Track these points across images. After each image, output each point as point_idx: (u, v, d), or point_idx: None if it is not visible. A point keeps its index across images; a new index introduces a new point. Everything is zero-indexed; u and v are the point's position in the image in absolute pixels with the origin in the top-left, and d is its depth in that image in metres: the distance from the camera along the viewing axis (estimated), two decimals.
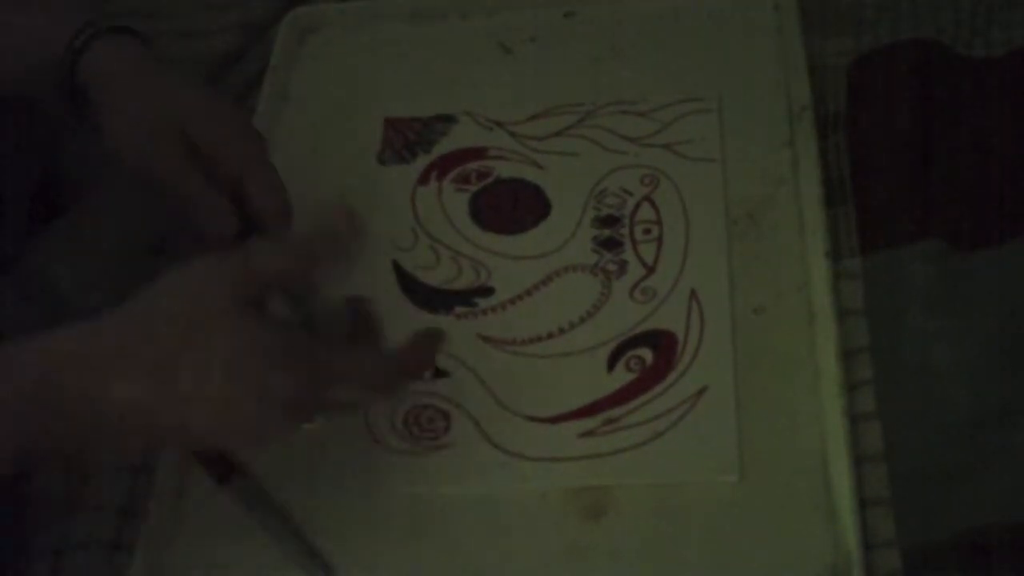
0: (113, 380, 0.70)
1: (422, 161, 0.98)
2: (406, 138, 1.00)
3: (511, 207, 0.95)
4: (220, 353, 0.69)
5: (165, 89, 0.86)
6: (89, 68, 0.86)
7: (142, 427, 0.70)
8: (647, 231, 0.91)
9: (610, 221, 0.92)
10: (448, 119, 1.00)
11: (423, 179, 0.97)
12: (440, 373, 0.86)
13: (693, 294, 0.87)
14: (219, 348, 0.69)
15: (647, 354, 0.85)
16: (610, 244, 0.91)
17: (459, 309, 0.89)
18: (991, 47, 0.97)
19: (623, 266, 0.90)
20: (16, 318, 0.92)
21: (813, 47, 0.99)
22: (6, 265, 0.95)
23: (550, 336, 0.87)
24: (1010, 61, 0.95)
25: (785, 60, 0.98)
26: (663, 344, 0.85)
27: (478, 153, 0.98)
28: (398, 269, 0.92)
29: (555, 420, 0.83)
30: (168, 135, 0.84)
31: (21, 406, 0.70)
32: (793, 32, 0.99)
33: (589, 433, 0.82)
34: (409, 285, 0.91)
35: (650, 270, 0.89)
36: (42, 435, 0.71)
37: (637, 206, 0.93)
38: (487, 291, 0.90)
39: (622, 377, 0.84)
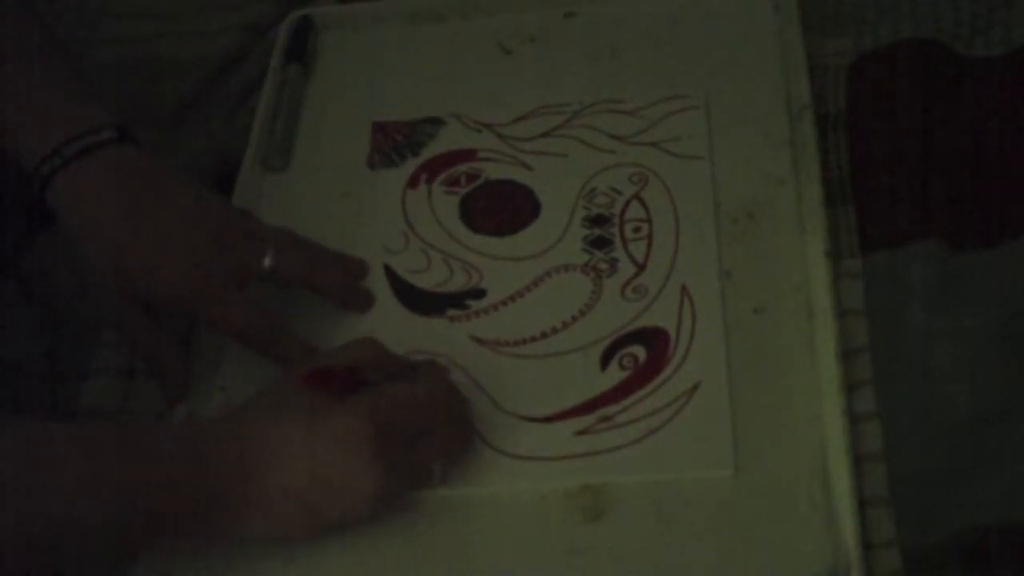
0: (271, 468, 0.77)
1: (411, 164, 1.01)
2: (394, 141, 1.02)
3: (501, 209, 0.97)
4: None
5: (120, 245, 0.88)
6: (54, 199, 0.88)
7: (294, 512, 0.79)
8: (637, 229, 0.94)
9: (600, 220, 0.95)
10: (435, 122, 1.03)
11: (412, 182, 1.00)
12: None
13: (684, 290, 0.90)
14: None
15: (640, 351, 0.87)
16: (600, 243, 0.94)
17: (451, 311, 0.92)
18: (991, 47, 0.99)
19: (614, 265, 0.92)
20: (16, 319, 0.94)
21: (813, 47, 1.01)
22: (6, 266, 0.97)
23: (543, 336, 0.90)
24: (1010, 61, 0.98)
25: (785, 60, 1.01)
26: (655, 341, 0.88)
27: (467, 155, 1.01)
28: (390, 273, 0.95)
29: (550, 419, 0.85)
30: (116, 291, 0.89)
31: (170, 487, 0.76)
32: (793, 32, 1.01)
33: (584, 431, 0.84)
34: (401, 288, 0.94)
35: (641, 268, 0.92)
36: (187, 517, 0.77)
37: (626, 205, 0.95)
38: (479, 293, 0.93)
39: (615, 375, 0.87)
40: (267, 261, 0.89)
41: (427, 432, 0.81)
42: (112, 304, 0.90)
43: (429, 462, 0.82)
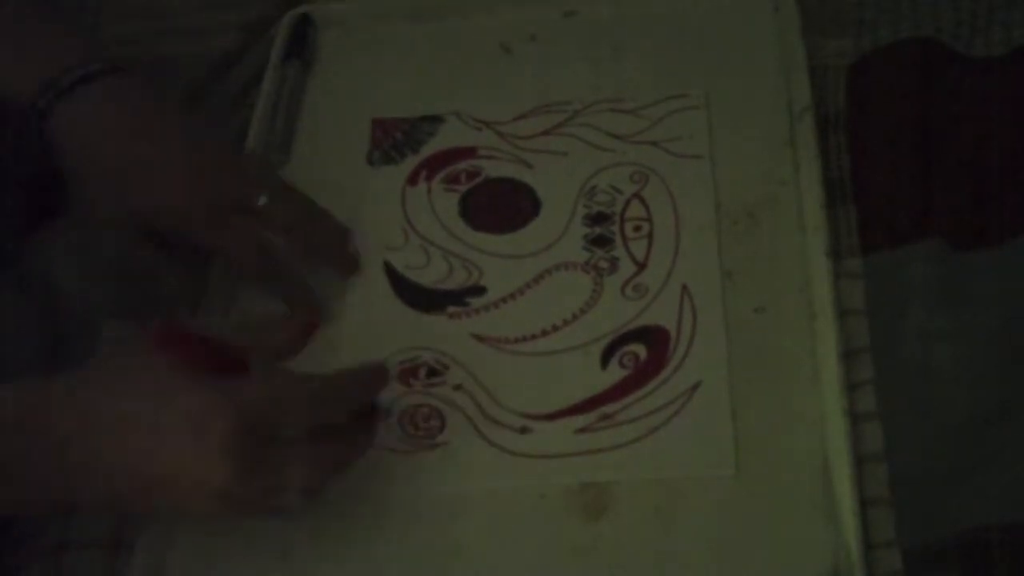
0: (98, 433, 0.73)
1: (411, 162, 1.01)
2: (394, 139, 1.02)
3: (501, 206, 0.97)
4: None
5: (120, 168, 0.89)
6: (52, 131, 0.89)
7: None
8: (637, 228, 0.94)
9: (600, 219, 0.95)
10: (435, 119, 1.03)
11: (412, 179, 1.00)
12: (434, 373, 0.89)
13: (684, 289, 0.90)
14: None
15: (640, 350, 0.88)
16: (601, 241, 0.94)
17: (451, 309, 0.92)
18: (991, 47, 0.99)
19: (614, 263, 0.92)
20: (15, 317, 0.94)
21: (813, 47, 1.01)
22: (5, 264, 0.97)
23: (543, 334, 0.90)
24: (1010, 61, 0.98)
25: (785, 60, 1.01)
26: (656, 340, 0.88)
27: (467, 153, 1.01)
28: (389, 270, 0.95)
29: (550, 417, 0.86)
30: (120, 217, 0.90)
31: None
32: (793, 32, 1.01)
33: (584, 430, 0.85)
34: (401, 286, 0.94)
35: (641, 266, 0.92)
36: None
37: (627, 203, 0.95)
38: (479, 290, 0.93)
39: (616, 373, 0.87)
40: (263, 199, 0.89)
41: (317, 434, 0.75)
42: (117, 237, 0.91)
43: (295, 480, 0.75)
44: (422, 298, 0.93)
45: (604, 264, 0.92)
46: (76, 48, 0.92)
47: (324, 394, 0.77)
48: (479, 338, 0.90)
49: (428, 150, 1.01)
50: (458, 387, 0.88)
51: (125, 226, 0.91)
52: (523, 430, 0.85)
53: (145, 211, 0.89)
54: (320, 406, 0.76)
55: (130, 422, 0.73)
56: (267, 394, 0.74)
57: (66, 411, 0.74)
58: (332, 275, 0.94)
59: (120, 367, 0.75)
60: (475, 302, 0.92)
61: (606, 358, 0.88)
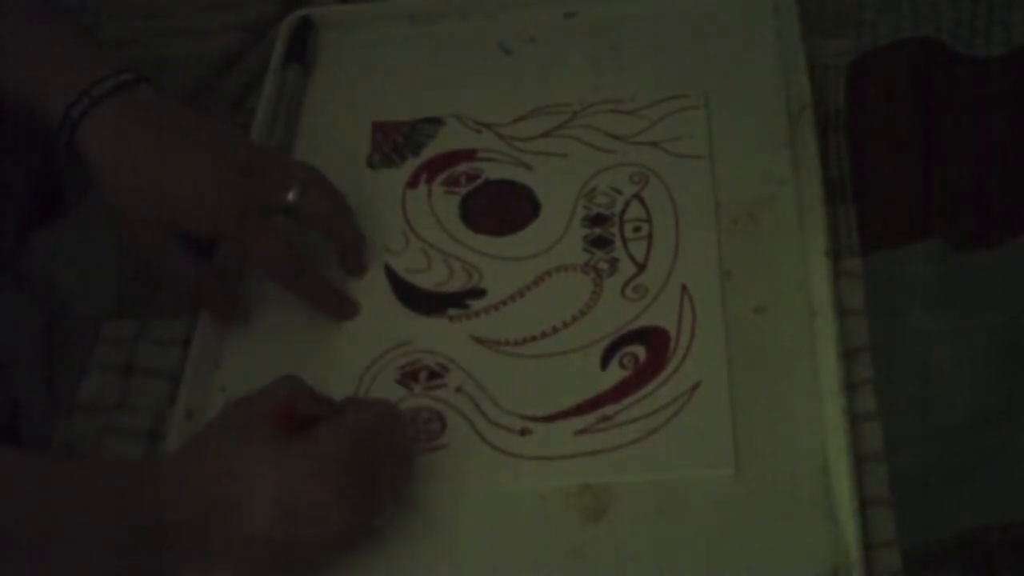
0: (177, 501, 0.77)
1: (411, 164, 1.01)
2: (394, 142, 1.03)
3: (501, 208, 0.98)
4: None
5: (153, 177, 0.90)
6: (84, 143, 0.90)
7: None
8: (637, 229, 0.94)
9: (600, 220, 0.95)
10: (435, 122, 1.03)
11: (412, 182, 1.00)
12: (435, 375, 0.89)
13: (684, 290, 0.90)
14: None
15: (640, 351, 0.88)
16: (601, 243, 0.94)
17: (452, 311, 0.92)
18: (991, 47, 0.99)
19: (614, 264, 0.93)
20: (16, 318, 0.95)
21: (813, 47, 1.01)
22: (6, 264, 0.97)
23: (543, 335, 0.90)
24: (1010, 61, 0.98)
25: (785, 60, 1.01)
26: (656, 341, 0.88)
27: (467, 155, 1.01)
28: (390, 273, 0.95)
29: (550, 419, 0.86)
30: (146, 226, 0.90)
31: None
32: (793, 32, 1.02)
33: (584, 431, 0.85)
34: (401, 288, 0.94)
35: (641, 267, 0.92)
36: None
37: (627, 204, 0.96)
38: (479, 292, 0.93)
39: (616, 374, 0.87)
40: (291, 195, 0.90)
41: (380, 463, 0.80)
42: (146, 241, 0.91)
43: (385, 494, 0.81)
44: (422, 301, 0.93)
45: (604, 265, 0.93)
46: (105, 59, 0.93)
47: (383, 425, 0.82)
48: (479, 340, 0.90)
49: (428, 152, 1.02)
50: (458, 389, 0.88)
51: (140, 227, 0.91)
52: (523, 432, 0.86)
53: (175, 217, 0.90)
54: (385, 436, 0.82)
55: (256, 486, 0.77)
56: (358, 428, 0.80)
57: (189, 487, 0.77)
58: (333, 277, 0.95)
59: (233, 439, 0.79)
60: (475, 304, 0.92)
61: (606, 359, 0.88)
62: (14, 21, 0.94)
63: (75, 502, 0.76)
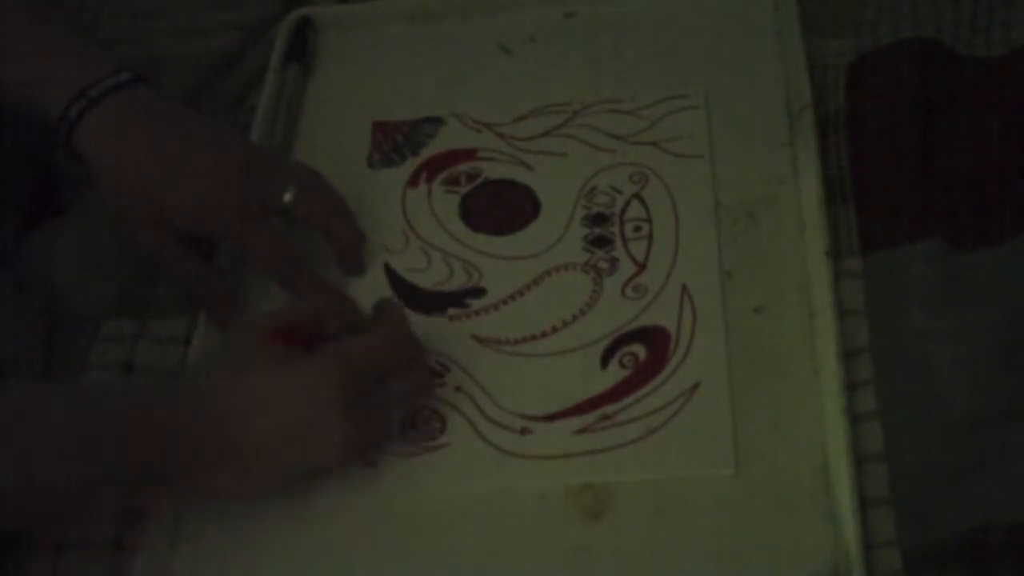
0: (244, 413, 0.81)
1: (411, 164, 1.01)
2: (394, 141, 1.03)
3: (501, 208, 0.98)
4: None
5: (151, 178, 0.90)
6: (82, 142, 0.91)
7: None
8: (637, 228, 0.94)
9: (600, 219, 0.95)
10: (435, 121, 1.04)
11: (412, 182, 1.00)
12: (435, 375, 0.89)
13: (684, 289, 0.90)
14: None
15: (640, 350, 0.88)
16: (601, 242, 0.94)
17: (452, 310, 0.92)
18: (991, 47, 0.99)
19: (614, 264, 0.93)
20: (15, 316, 0.95)
21: (813, 47, 1.02)
22: (5, 263, 0.98)
23: (543, 335, 0.90)
24: (1010, 61, 0.98)
25: (785, 60, 1.01)
26: (656, 340, 0.88)
27: (467, 155, 1.01)
28: (390, 272, 0.95)
29: (550, 418, 0.86)
30: (145, 225, 0.91)
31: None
32: (793, 32, 1.02)
33: (584, 430, 0.85)
34: (401, 288, 0.94)
35: (641, 267, 0.92)
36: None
37: (627, 204, 0.96)
38: (479, 292, 0.93)
39: (616, 374, 0.87)
40: (288, 196, 0.91)
41: (387, 378, 0.84)
42: (144, 240, 0.92)
43: (391, 409, 0.85)
44: (422, 300, 0.93)
45: (604, 265, 0.93)
46: (104, 59, 0.93)
47: (393, 342, 0.86)
48: (479, 340, 0.90)
49: (428, 152, 1.02)
50: (458, 389, 0.88)
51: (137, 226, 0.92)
52: (523, 431, 0.86)
53: (173, 217, 0.90)
54: (393, 352, 0.85)
55: (262, 401, 0.81)
56: (358, 350, 0.83)
57: (208, 401, 0.81)
58: (333, 277, 0.95)
59: (241, 360, 0.84)
60: (475, 304, 0.92)
61: (606, 359, 0.88)
62: (14, 19, 0.94)
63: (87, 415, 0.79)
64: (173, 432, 0.80)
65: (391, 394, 0.84)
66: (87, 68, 0.92)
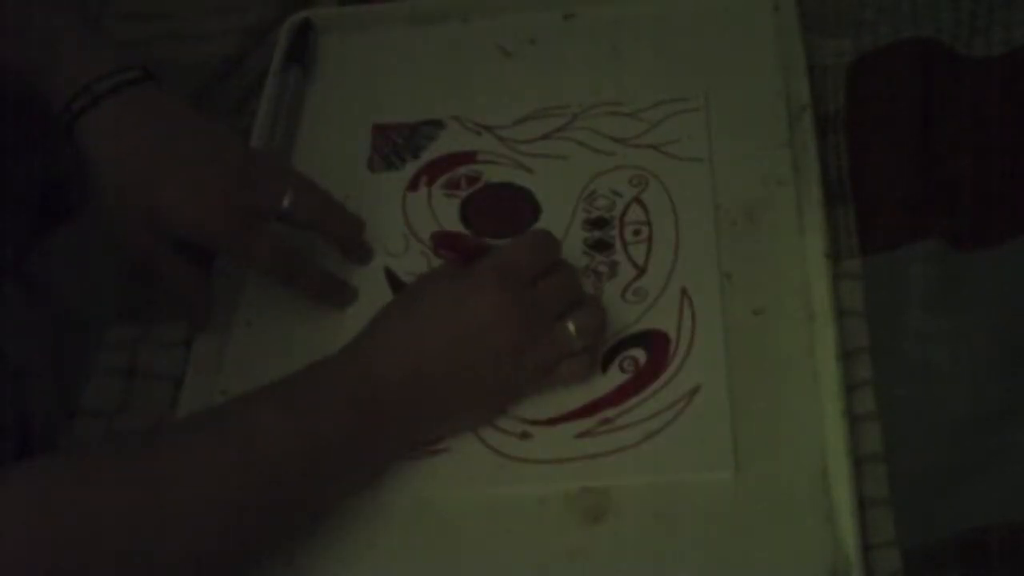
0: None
1: (411, 167, 1.02)
2: (394, 144, 1.04)
3: (501, 211, 0.98)
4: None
5: (146, 180, 0.91)
6: (81, 138, 0.91)
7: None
8: (637, 232, 0.95)
9: (600, 223, 0.96)
10: (436, 124, 1.04)
11: (413, 185, 1.01)
12: None
13: (684, 293, 0.91)
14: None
15: (640, 354, 0.88)
16: (601, 246, 0.95)
17: None
18: (991, 47, 1.00)
19: (614, 268, 0.93)
20: (20, 323, 0.96)
21: (813, 47, 1.02)
22: (10, 269, 0.98)
23: None
24: (1010, 61, 0.98)
25: (785, 60, 1.02)
26: (656, 344, 0.89)
27: (467, 158, 1.02)
28: (390, 276, 0.96)
29: (550, 422, 0.86)
30: (141, 227, 0.91)
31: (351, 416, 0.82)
32: (793, 32, 1.02)
33: (585, 434, 0.86)
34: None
35: (641, 271, 0.93)
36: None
37: (627, 207, 0.96)
38: None
39: (616, 378, 0.88)
40: (286, 201, 0.92)
41: (545, 281, 0.86)
42: (138, 242, 0.92)
43: (556, 306, 0.85)
44: None
45: (604, 269, 0.93)
46: (109, 54, 0.94)
47: (536, 241, 0.89)
48: None
49: (428, 155, 1.02)
50: None
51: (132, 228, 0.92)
52: (524, 435, 0.86)
53: (170, 221, 0.91)
54: (541, 249, 0.88)
55: (430, 319, 0.84)
56: (506, 257, 0.86)
57: (383, 351, 0.84)
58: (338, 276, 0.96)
59: (401, 297, 0.89)
60: None
61: (606, 363, 0.88)
62: (29, 5, 0.94)
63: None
64: (363, 400, 0.82)
65: (551, 290, 0.85)
66: (94, 62, 0.92)
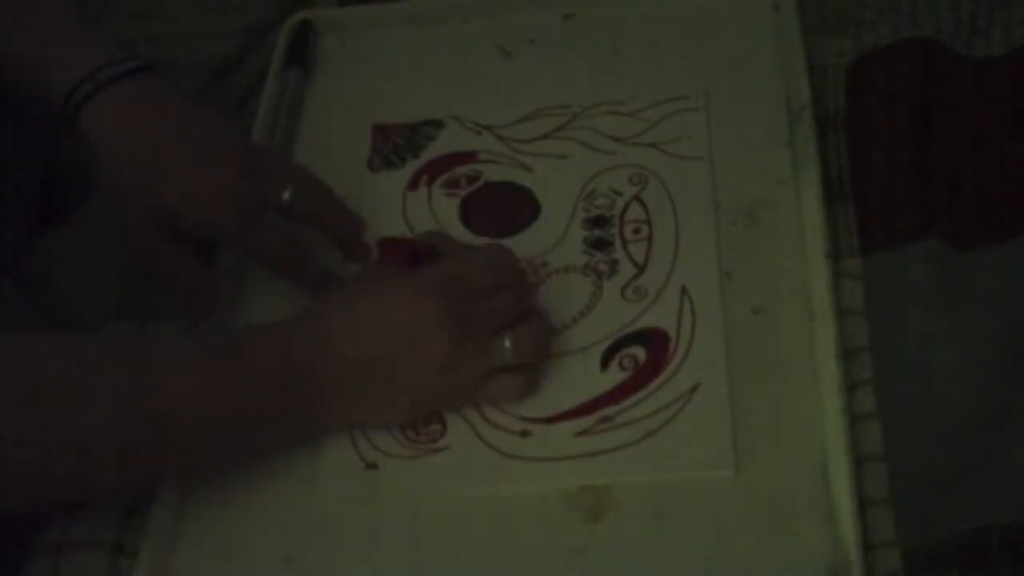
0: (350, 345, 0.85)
1: (411, 167, 1.02)
2: (394, 144, 1.04)
3: (501, 210, 0.98)
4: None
5: (151, 167, 0.91)
6: (85, 126, 0.91)
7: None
8: (637, 230, 0.95)
9: (600, 222, 0.96)
10: (436, 124, 1.04)
11: (413, 184, 1.01)
12: None
13: (684, 291, 0.91)
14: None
15: (640, 352, 0.89)
16: (600, 244, 0.95)
17: None
18: (991, 47, 1.00)
19: (614, 266, 0.93)
20: (19, 321, 0.96)
21: (813, 47, 1.02)
22: (9, 268, 0.98)
23: None
24: (1010, 61, 0.99)
25: (785, 60, 1.02)
26: (655, 342, 0.89)
27: (467, 157, 1.02)
28: None
29: (551, 420, 0.87)
30: (143, 218, 0.92)
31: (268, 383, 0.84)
32: (793, 32, 1.03)
33: (584, 432, 0.86)
34: None
35: (641, 269, 0.93)
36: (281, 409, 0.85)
37: (626, 206, 0.96)
38: None
39: (616, 376, 0.88)
40: (287, 194, 0.92)
41: (490, 296, 0.86)
42: (140, 235, 0.92)
43: (496, 321, 0.85)
44: None
45: (604, 267, 0.93)
46: (111, 45, 0.94)
47: (491, 255, 0.90)
48: None
49: (428, 155, 1.03)
50: None
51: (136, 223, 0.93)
52: (523, 434, 0.86)
53: (173, 212, 0.91)
54: (494, 265, 0.88)
55: (362, 319, 0.85)
56: (452, 267, 0.87)
57: (313, 328, 0.85)
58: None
59: (345, 288, 0.91)
60: None
61: (606, 361, 0.89)
62: (29, 5, 0.95)
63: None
64: (280, 369, 0.84)
65: (494, 305, 0.86)
66: (98, 51, 0.93)
